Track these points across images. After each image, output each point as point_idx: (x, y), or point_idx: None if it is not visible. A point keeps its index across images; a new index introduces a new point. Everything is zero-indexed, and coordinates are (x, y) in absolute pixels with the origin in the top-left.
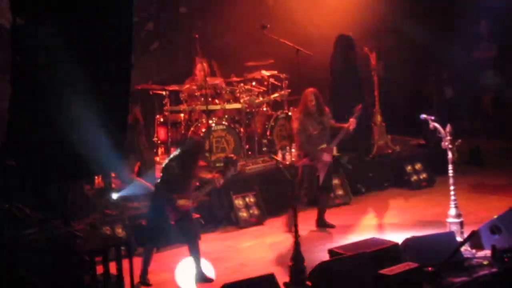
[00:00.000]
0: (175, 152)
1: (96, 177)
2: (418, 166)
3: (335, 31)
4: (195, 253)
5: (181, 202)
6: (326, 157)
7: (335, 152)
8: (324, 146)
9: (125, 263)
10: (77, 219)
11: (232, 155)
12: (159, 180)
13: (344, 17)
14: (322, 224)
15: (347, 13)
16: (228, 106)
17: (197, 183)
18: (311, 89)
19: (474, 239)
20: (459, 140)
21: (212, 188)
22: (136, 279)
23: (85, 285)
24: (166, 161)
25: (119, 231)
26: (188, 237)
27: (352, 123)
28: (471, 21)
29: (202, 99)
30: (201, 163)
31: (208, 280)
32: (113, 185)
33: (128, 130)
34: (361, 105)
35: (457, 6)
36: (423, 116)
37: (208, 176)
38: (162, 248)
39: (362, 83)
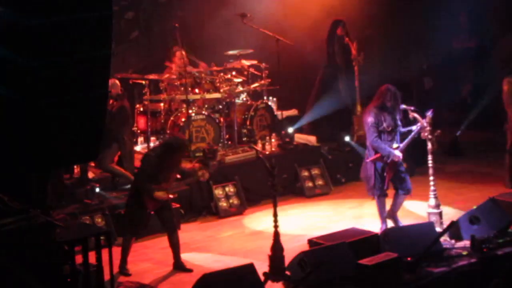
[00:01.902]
0: (157, 144)
1: (75, 167)
2: None
3: (314, 21)
4: (175, 243)
5: (159, 193)
6: (398, 154)
7: (315, 142)
8: (395, 146)
9: (105, 253)
10: (56, 209)
11: (213, 147)
12: (138, 170)
13: (324, 7)
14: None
15: (327, 3)
16: (208, 96)
17: (179, 175)
18: (388, 85)
19: (453, 230)
20: (439, 131)
21: (195, 181)
22: (116, 269)
23: (64, 275)
24: (147, 151)
25: (99, 221)
26: (168, 226)
27: (438, 132)
28: (451, 12)
29: (182, 88)
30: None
31: (188, 270)
32: (91, 175)
33: (112, 117)
34: (433, 109)
35: None
36: (403, 106)
37: (188, 165)
38: (141, 238)
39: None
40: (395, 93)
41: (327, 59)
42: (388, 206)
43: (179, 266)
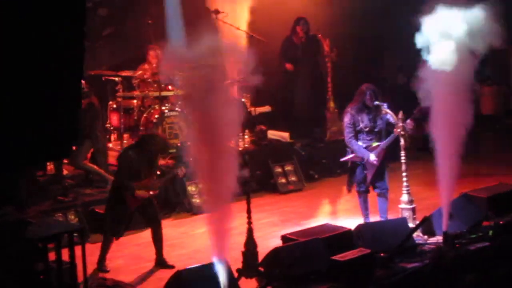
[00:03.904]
0: (134, 141)
1: (48, 164)
2: None
3: (287, 18)
4: (158, 239)
5: (140, 192)
6: (372, 158)
7: (288, 138)
8: (375, 144)
9: (78, 249)
10: (29, 206)
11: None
12: (117, 168)
13: (297, 3)
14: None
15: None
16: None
17: (158, 172)
18: (369, 84)
19: (426, 225)
20: (409, 121)
21: (173, 178)
22: (89, 266)
23: (37, 272)
24: (124, 149)
25: (72, 218)
26: (152, 223)
27: (409, 124)
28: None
29: (155, 85)
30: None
31: (169, 266)
32: (65, 172)
33: (83, 114)
34: (421, 106)
35: None
36: (376, 102)
37: (161, 162)
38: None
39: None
40: (375, 92)
41: (279, 55)
42: (368, 202)
43: (161, 263)
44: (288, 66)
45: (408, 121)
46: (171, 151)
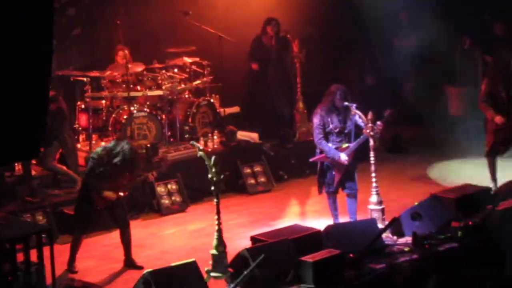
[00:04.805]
0: (108, 145)
1: (16, 164)
2: None
3: (256, 18)
4: (127, 240)
5: (108, 193)
6: (343, 158)
7: (257, 139)
8: (345, 145)
9: (46, 250)
10: None
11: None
12: (87, 168)
13: (266, 4)
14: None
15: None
16: (150, 93)
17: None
18: (339, 85)
19: (395, 226)
20: (381, 123)
21: (143, 181)
22: (58, 266)
23: (5, 273)
24: (96, 150)
25: (40, 218)
26: (120, 224)
27: (379, 125)
28: (394, 9)
29: (124, 85)
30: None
31: (138, 267)
32: (33, 172)
33: (52, 117)
34: (392, 110)
35: None
36: (345, 103)
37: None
38: (86, 235)
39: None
40: (345, 92)
41: (248, 55)
42: (338, 203)
43: (130, 263)
44: (254, 66)
45: (378, 122)
46: (139, 151)
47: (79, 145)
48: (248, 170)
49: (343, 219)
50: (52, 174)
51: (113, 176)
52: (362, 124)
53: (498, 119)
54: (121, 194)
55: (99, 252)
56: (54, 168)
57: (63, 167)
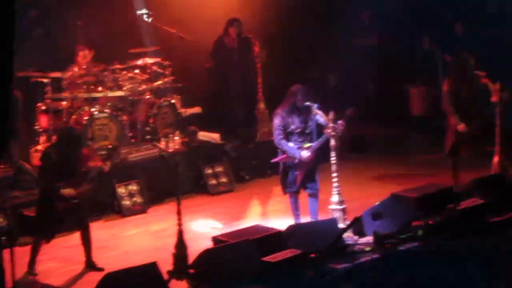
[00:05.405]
0: (53, 141)
1: None
2: None
3: (217, 18)
4: (87, 241)
5: (66, 190)
6: (305, 155)
7: (218, 139)
8: (307, 145)
9: (6, 253)
10: None
11: (113, 145)
12: (39, 169)
13: (227, 3)
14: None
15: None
16: (111, 94)
17: (83, 169)
18: (299, 85)
19: (357, 226)
20: (342, 122)
21: (99, 173)
22: (18, 269)
23: None
24: (45, 149)
25: (0, 221)
26: (80, 225)
27: (340, 124)
28: (355, 9)
29: (85, 86)
30: (85, 151)
31: (99, 269)
32: None
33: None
34: (353, 109)
35: None
36: (306, 103)
37: (91, 164)
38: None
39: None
40: (306, 92)
41: (210, 55)
42: (299, 203)
43: (90, 265)
44: (207, 64)
45: (340, 122)
46: (100, 153)
47: (39, 147)
48: (210, 171)
49: (305, 219)
50: (11, 176)
51: (65, 169)
52: (324, 124)
53: (461, 127)
54: (80, 190)
55: (60, 254)
56: (22, 166)
57: (29, 167)
